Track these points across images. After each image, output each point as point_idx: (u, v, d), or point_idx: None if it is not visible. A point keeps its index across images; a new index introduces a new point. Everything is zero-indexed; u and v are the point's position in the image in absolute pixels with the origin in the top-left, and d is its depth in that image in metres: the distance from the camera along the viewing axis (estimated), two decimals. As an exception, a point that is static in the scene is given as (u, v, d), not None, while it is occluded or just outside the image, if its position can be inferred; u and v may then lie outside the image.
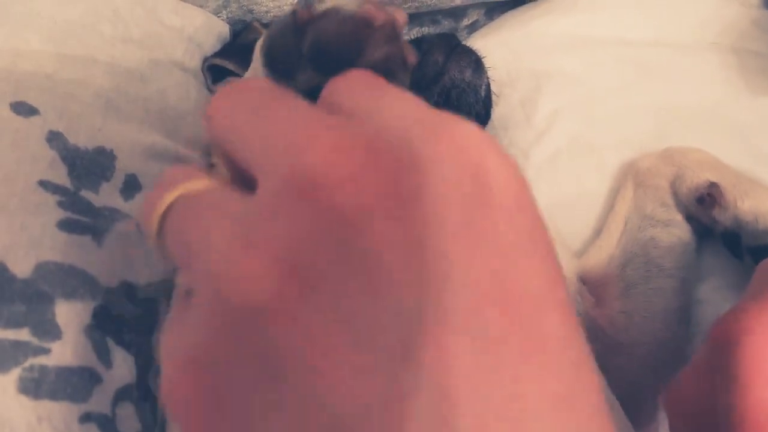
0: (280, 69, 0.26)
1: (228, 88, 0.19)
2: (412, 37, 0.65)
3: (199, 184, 0.19)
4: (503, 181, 0.16)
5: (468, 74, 0.49)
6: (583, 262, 0.51)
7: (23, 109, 0.36)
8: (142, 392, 0.34)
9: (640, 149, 0.52)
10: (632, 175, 0.51)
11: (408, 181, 0.15)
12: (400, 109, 0.17)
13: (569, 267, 0.50)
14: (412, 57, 0.24)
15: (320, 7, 0.25)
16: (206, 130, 0.20)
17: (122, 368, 0.33)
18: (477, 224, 0.15)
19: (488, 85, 0.53)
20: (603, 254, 0.50)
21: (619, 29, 0.59)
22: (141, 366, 0.35)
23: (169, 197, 0.18)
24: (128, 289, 0.35)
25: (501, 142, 0.58)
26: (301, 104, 0.18)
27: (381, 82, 0.19)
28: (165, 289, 0.38)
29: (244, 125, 0.18)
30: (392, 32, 0.24)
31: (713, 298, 0.48)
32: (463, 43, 0.50)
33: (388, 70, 0.24)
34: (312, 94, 0.21)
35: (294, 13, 0.26)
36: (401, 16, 0.25)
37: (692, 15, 0.60)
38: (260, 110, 0.18)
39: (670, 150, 0.50)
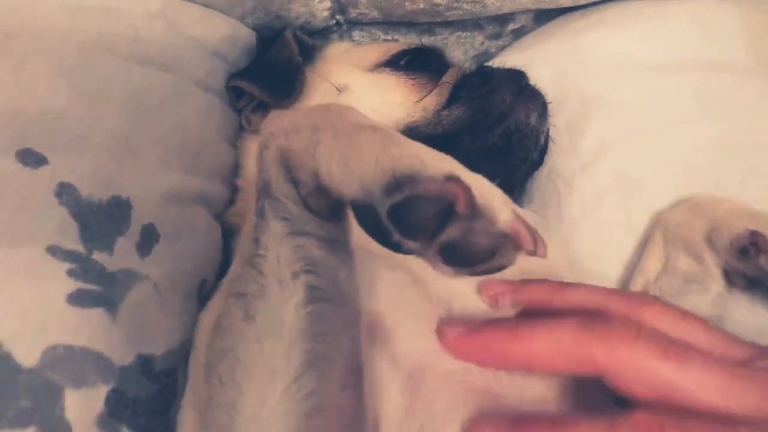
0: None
1: None
2: (472, 56, 0.61)
3: None
4: None
5: (533, 119, 0.46)
6: None
7: (30, 158, 0.33)
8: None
9: (692, 190, 0.48)
10: (661, 229, 0.47)
11: None
12: None
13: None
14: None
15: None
16: None
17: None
18: None
19: (548, 132, 0.50)
20: None
21: (676, 48, 0.54)
22: (157, 450, 0.32)
23: None
24: (144, 363, 0.33)
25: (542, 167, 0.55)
26: None
27: None
28: (185, 353, 0.35)
29: None
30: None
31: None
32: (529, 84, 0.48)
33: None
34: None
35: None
36: None
37: (756, 34, 0.55)
38: None
39: (698, 201, 0.47)
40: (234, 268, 0.29)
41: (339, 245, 0.28)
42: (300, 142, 0.27)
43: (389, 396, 0.30)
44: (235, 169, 0.47)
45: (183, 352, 0.35)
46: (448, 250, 0.24)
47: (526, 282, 0.35)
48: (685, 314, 0.31)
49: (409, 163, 0.23)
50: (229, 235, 0.45)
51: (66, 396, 0.29)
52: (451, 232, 0.23)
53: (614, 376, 0.27)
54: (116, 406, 0.30)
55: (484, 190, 0.24)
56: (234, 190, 0.47)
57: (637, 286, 0.47)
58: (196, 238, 0.40)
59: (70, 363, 0.29)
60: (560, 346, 0.28)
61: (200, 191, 0.41)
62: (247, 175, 0.47)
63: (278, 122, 0.29)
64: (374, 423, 0.29)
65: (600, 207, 0.51)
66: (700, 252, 0.45)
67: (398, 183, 0.23)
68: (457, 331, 0.30)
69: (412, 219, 0.23)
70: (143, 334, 0.33)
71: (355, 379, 0.28)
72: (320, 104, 0.31)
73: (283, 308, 0.26)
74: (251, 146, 0.48)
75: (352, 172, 0.24)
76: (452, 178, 0.23)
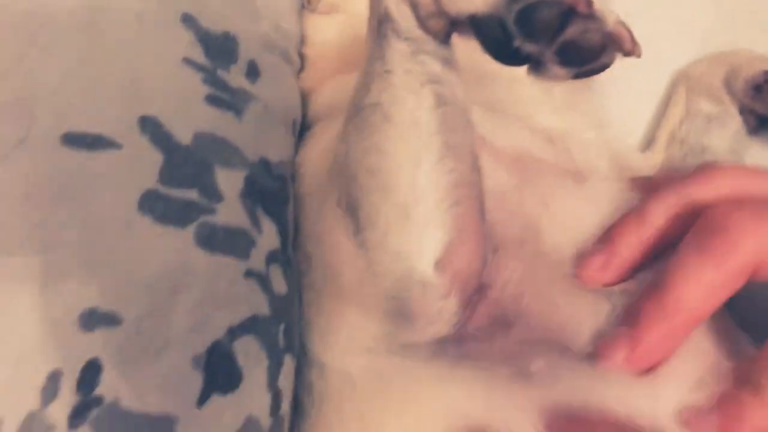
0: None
1: None
2: None
3: None
4: None
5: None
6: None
7: (155, -10, 0.37)
8: (285, 258, 0.37)
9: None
10: (683, 82, 0.53)
11: None
12: None
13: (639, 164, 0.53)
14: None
15: None
16: None
17: (270, 234, 0.36)
18: None
19: None
20: (657, 158, 0.53)
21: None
22: (282, 234, 0.37)
23: None
24: (265, 164, 0.37)
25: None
26: None
27: None
28: (293, 167, 0.41)
29: None
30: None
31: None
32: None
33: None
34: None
35: None
36: None
37: None
38: None
39: (717, 54, 0.52)
40: (358, 85, 0.33)
41: (454, 65, 0.33)
42: None
43: (495, 176, 0.35)
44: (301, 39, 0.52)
45: (288, 168, 0.41)
46: (564, 49, 0.28)
47: None
48: None
49: None
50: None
51: (216, 171, 0.34)
52: (571, 32, 0.27)
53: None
54: (251, 189, 0.35)
55: None
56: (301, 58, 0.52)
57: (663, 135, 0.53)
58: (286, 85, 0.45)
59: (215, 147, 0.34)
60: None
61: (285, 49, 0.46)
62: (311, 42, 0.52)
63: None
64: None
65: (624, 74, 0.56)
66: (719, 95, 0.51)
67: None
68: (619, 349, 0.28)
69: (536, 21, 0.27)
70: (262, 140, 0.38)
71: (477, 164, 0.33)
72: None
73: (417, 111, 0.31)
74: (312, 19, 0.52)
75: None
76: None
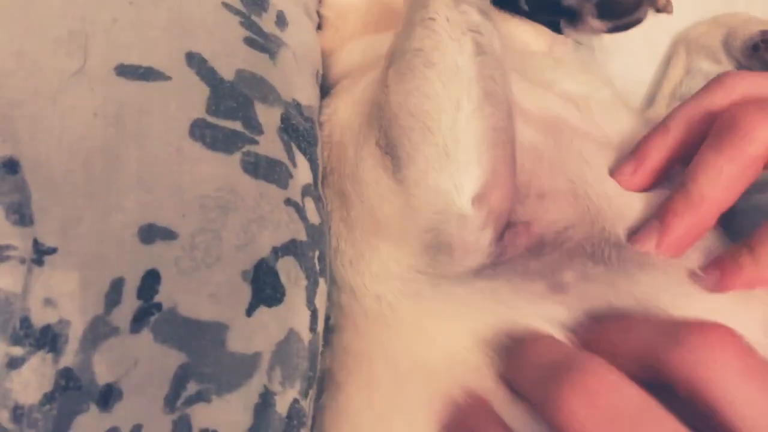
0: None
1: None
2: None
3: None
4: None
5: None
6: None
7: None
8: (317, 194, 0.39)
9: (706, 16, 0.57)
10: (683, 43, 0.56)
11: None
12: None
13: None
14: None
15: None
16: None
17: (303, 169, 0.38)
18: None
19: None
20: (659, 114, 0.56)
21: None
22: (313, 172, 0.39)
23: None
24: (297, 106, 0.40)
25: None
26: None
27: None
28: (319, 115, 0.43)
29: None
30: None
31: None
32: None
33: None
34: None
35: None
36: None
37: None
38: None
39: (716, 17, 0.55)
40: (400, 33, 0.35)
41: (492, 17, 0.35)
42: None
43: (527, 134, 0.37)
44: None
45: (316, 114, 0.43)
46: (604, 3, 0.30)
47: None
48: None
49: None
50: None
51: (256, 106, 0.36)
52: None
53: None
54: (287, 126, 0.38)
55: None
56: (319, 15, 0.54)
57: (664, 93, 0.56)
58: (310, 37, 0.47)
59: (255, 84, 0.36)
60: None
61: (306, 4, 0.48)
62: (328, 4, 0.54)
63: None
64: None
65: (626, 37, 0.59)
66: (718, 55, 0.54)
67: None
68: (648, 236, 0.33)
69: None
70: (293, 85, 0.40)
71: (512, 112, 0.35)
72: None
73: (458, 57, 0.33)
74: None
75: None
76: None
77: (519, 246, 0.34)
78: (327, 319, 0.38)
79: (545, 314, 0.32)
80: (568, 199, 0.35)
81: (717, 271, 0.32)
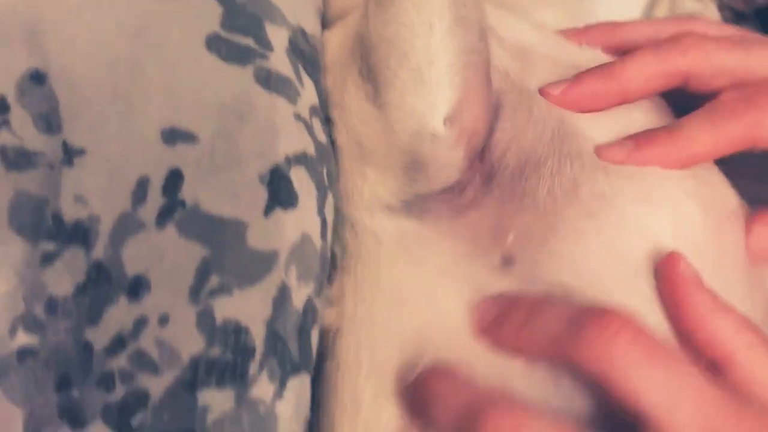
0: None
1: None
2: None
3: None
4: None
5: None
6: None
7: None
8: (324, 116, 0.41)
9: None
10: None
11: None
12: None
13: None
14: None
15: None
16: None
17: (310, 91, 0.40)
18: None
19: None
20: None
21: None
22: (319, 94, 0.41)
23: None
24: (303, 32, 0.41)
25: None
26: None
27: None
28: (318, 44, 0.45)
29: None
30: None
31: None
32: None
33: None
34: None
35: None
36: None
37: None
38: None
39: None
40: None
41: None
42: None
43: (500, 61, 0.39)
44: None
45: (319, 44, 0.45)
46: None
47: (589, 26, 0.44)
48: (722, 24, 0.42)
49: None
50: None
51: (266, 25, 0.38)
52: None
53: (696, 76, 0.36)
54: (294, 47, 0.39)
55: None
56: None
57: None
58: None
59: (264, 6, 0.38)
60: (649, 68, 0.36)
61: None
62: None
63: None
64: None
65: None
66: (700, -6, 0.56)
67: None
68: (559, 85, 0.37)
69: None
70: (298, 12, 0.42)
71: (485, 36, 0.37)
72: None
73: None
74: None
75: None
76: None
77: (478, 176, 0.37)
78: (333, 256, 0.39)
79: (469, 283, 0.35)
80: (511, 114, 0.38)
81: (629, 142, 0.34)
